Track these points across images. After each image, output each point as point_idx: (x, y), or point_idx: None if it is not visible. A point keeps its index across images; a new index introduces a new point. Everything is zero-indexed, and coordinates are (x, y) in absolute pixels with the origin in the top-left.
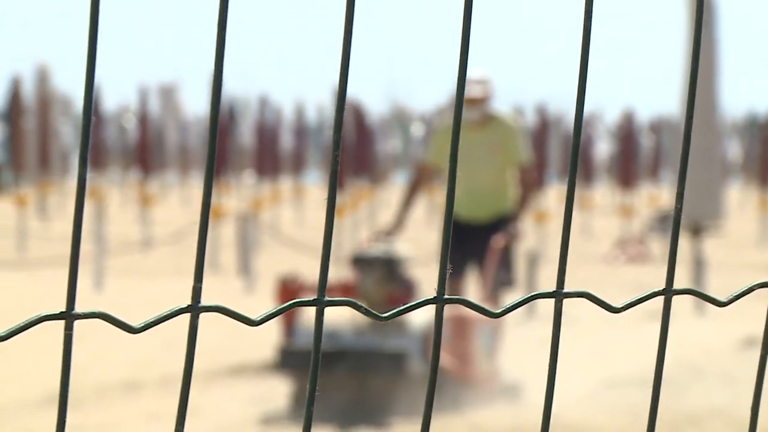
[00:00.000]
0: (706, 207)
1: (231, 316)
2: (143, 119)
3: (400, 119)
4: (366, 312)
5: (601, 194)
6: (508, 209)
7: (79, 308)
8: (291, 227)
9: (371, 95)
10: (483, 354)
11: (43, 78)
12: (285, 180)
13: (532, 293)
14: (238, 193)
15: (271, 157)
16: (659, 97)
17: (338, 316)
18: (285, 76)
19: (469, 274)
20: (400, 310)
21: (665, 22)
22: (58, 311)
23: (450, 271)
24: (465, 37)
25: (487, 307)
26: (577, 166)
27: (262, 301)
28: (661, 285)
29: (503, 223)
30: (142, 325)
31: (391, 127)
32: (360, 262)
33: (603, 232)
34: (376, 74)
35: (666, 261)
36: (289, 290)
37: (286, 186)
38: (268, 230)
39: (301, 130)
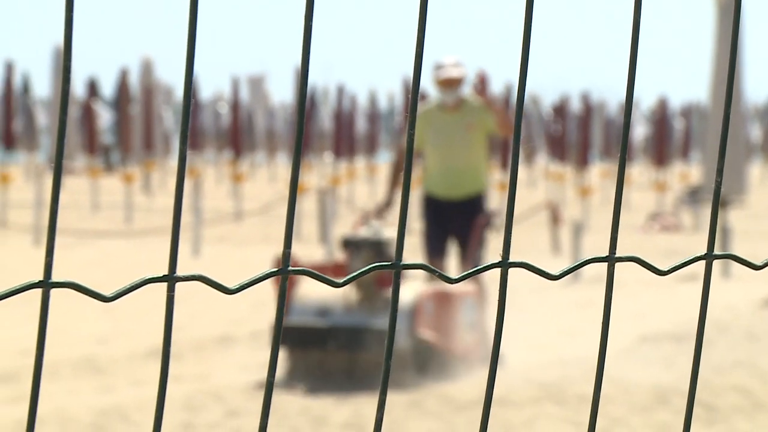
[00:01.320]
0: (731, 183)
1: (316, 279)
2: (235, 106)
3: None
4: (440, 276)
5: (638, 172)
6: (484, 188)
7: (179, 272)
8: (365, 201)
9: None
10: (466, 326)
11: (147, 69)
12: (359, 160)
13: (585, 258)
14: (318, 171)
15: (347, 140)
16: (690, 86)
17: (330, 295)
18: (360, 68)
19: (448, 251)
20: (468, 274)
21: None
22: (161, 275)
23: (429, 249)
24: (527, 29)
25: (467, 283)
26: (627, 149)
27: None
28: (692, 251)
29: (479, 200)
30: (238, 286)
31: None
32: (349, 243)
33: (639, 205)
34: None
35: (694, 231)
36: None
37: (361, 165)
38: (344, 204)
39: (374, 116)
